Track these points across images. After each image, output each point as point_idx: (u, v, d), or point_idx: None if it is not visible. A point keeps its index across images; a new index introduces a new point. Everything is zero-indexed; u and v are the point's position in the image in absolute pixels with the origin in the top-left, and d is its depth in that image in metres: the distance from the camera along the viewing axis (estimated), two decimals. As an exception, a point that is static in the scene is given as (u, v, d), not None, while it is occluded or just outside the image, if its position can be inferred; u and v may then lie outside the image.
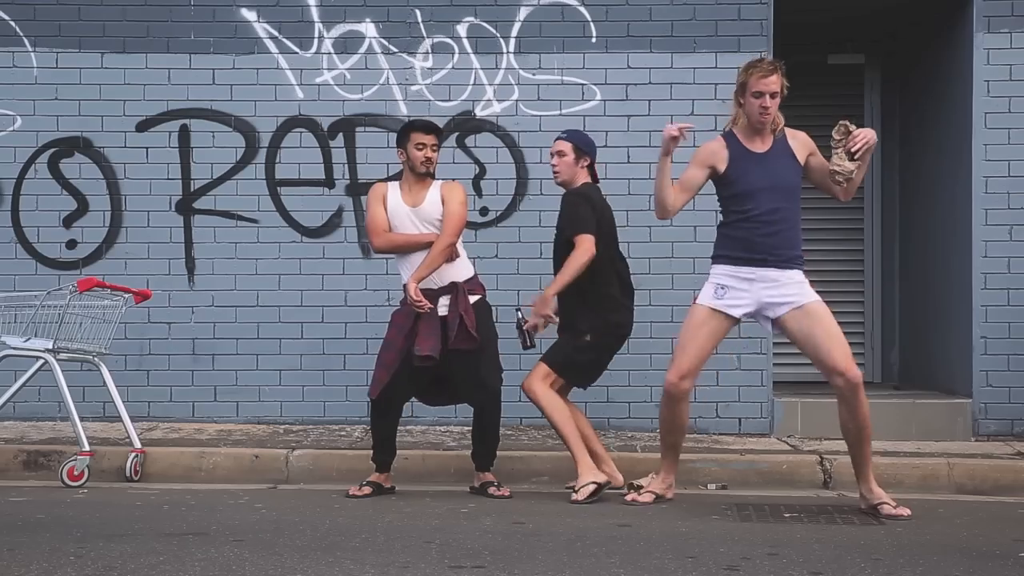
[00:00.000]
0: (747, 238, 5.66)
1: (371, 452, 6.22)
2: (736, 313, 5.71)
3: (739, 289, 5.67)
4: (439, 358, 5.94)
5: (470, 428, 6.29)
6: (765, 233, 5.63)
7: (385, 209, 6.16)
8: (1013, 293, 7.69)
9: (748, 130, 5.74)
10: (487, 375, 6.08)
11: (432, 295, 6.02)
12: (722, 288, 5.70)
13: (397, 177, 7.75)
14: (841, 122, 5.63)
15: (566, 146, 6.27)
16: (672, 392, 5.77)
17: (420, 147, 6.15)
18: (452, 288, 6.04)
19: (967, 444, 7.42)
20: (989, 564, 4.62)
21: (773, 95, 5.65)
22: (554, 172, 6.31)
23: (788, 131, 5.80)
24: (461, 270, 6.15)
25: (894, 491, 6.44)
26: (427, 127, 6.23)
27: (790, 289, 5.64)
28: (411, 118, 7.77)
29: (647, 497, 5.91)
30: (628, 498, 5.92)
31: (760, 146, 5.74)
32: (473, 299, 6.09)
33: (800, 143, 5.77)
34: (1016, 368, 7.67)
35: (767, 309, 5.68)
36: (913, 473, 6.63)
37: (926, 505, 6.03)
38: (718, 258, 5.79)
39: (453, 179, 6.68)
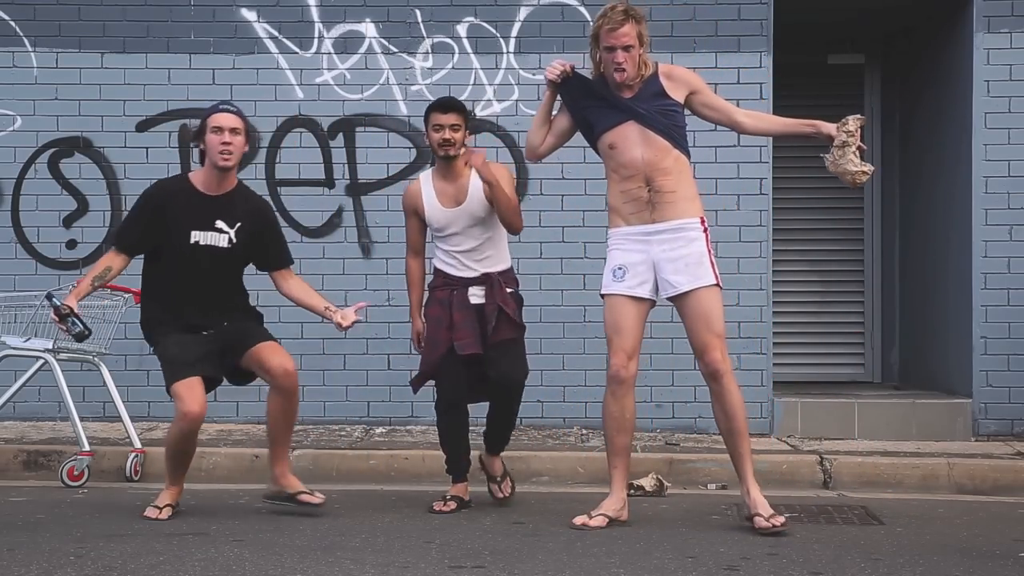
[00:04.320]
0: (626, 191, 5.30)
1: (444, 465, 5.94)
2: (642, 293, 5.28)
3: (635, 264, 5.28)
4: (483, 351, 5.59)
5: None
6: (639, 185, 5.26)
7: (422, 216, 5.73)
8: (1013, 293, 7.69)
9: (612, 83, 5.31)
10: (519, 367, 5.68)
11: (463, 283, 5.66)
12: (619, 269, 5.31)
13: (402, 175, 7.80)
14: (860, 116, 5.27)
15: (240, 123, 5.46)
16: (621, 376, 5.32)
17: (437, 128, 5.60)
18: (485, 279, 5.66)
19: (967, 444, 7.42)
20: (989, 564, 4.62)
21: (626, 48, 5.19)
22: (227, 153, 5.38)
23: (663, 67, 5.37)
24: (498, 261, 5.73)
25: (894, 491, 6.46)
26: (444, 105, 5.66)
27: (687, 262, 5.22)
28: (411, 116, 7.83)
29: (599, 521, 5.26)
30: (577, 522, 5.25)
31: (628, 94, 5.30)
32: (508, 291, 5.71)
33: (675, 81, 5.34)
34: (1016, 368, 7.67)
35: (663, 286, 5.28)
36: (913, 473, 6.63)
37: (926, 505, 6.03)
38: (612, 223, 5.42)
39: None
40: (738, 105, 5.85)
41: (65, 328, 5.40)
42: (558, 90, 5.49)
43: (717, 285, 5.29)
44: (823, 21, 8.59)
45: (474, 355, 5.57)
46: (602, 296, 5.42)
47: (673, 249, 5.26)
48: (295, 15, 7.86)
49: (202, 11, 7.86)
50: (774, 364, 7.90)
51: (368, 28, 7.86)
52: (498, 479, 5.94)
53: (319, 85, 7.85)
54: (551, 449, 6.96)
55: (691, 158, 5.42)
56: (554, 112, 5.54)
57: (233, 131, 5.37)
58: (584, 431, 7.63)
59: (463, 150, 5.67)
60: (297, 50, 7.87)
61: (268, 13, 7.86)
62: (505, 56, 7.83)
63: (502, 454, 5.98)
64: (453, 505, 5.73)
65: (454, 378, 5.64)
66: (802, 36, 8.35)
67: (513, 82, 7.81)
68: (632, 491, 6.08)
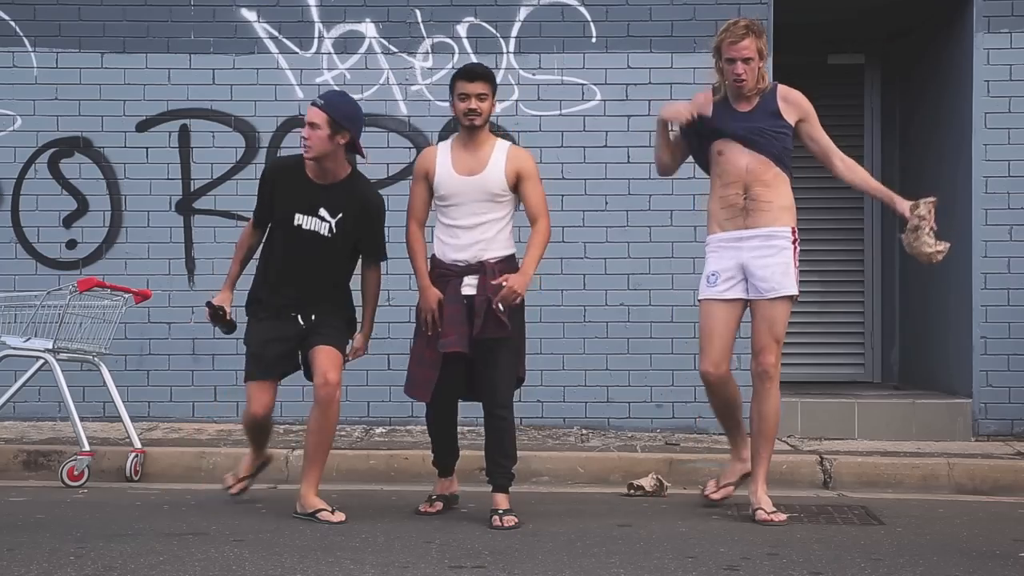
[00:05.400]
0: (724, 196, 5.55)
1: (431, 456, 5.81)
2: (732, 295, 5.55)
3: (727, 269, 5.53)
4: (469, 351, 5.30)
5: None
6: (737, 192, 5.51)
7: (430, 181, 5.44)
8: (1013, 293, 7.69)
9: (732, 92, 5.55)
10: (506, 381, 5.42)
11: (458, 272, 5.37)
12: (713, 275, 5.57)
13: (402, 175, 7.79)
14: (931, 199, 5.52)
15: (320, 117, 5.33)
16: (711, 379, 5.65)
17: (463, 97, 5.34)
18: (480, 268, 5.33)
19: (967, 444, 7.43)
20: (989, 564, 4.62)
21: (746, 60, 5.43)
22: (306, 147, 5.35)
23: (782, 89, 5.62)
24: (500, 246, 5.40)
25: (894, 491, 6.46)
26: (470, 72, 5.41)
27: (773, 271, 5.47)
28: (411, 116, 7.84)
29: (726, 491, 5.82)
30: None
31: (745, 106, 5.55)
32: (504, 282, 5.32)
33: (791, 105, 5.56)
34: (1016, 368, 7.67)
35: (749, 288, 5.54)
36: (913, 473, 6.63)
37: (926, 505, 6.03)
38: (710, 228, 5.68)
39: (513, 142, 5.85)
40: None
41: (219, 326, 5.76)
42: (683, 132, 5.70)
43: (793, 296, 5.56)
44: (823, 21, 8.59)
45: (458, 353, 5.30)
46: (699, 301, 5.69)
47: (762, 256, 5.52)
48: (295, 15, 7.86)
49: (202, 11, 7.86)
50: (774, 364, 7.89)
51: (368, 28, 7.87)
52: (500, 512, 5.36)
53: (319, 85, 7.84)
54: (551, 449, 6.95)
55: (792, 176, 5.63)
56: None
57: (311, 125, 5.33)
58: (584, 431, 7.63)
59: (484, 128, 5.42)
60: (297, 50, 7.87)
61: (268, 13, 7.86)
62: (505, 56, 7.83)
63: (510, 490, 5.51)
64: (439, 506, 5.63)
65: (447, 376, 5.40)
66: (802, 36, 8.35)
67: (513, 82, 7.80)
68: (632, 491, 6.09)
